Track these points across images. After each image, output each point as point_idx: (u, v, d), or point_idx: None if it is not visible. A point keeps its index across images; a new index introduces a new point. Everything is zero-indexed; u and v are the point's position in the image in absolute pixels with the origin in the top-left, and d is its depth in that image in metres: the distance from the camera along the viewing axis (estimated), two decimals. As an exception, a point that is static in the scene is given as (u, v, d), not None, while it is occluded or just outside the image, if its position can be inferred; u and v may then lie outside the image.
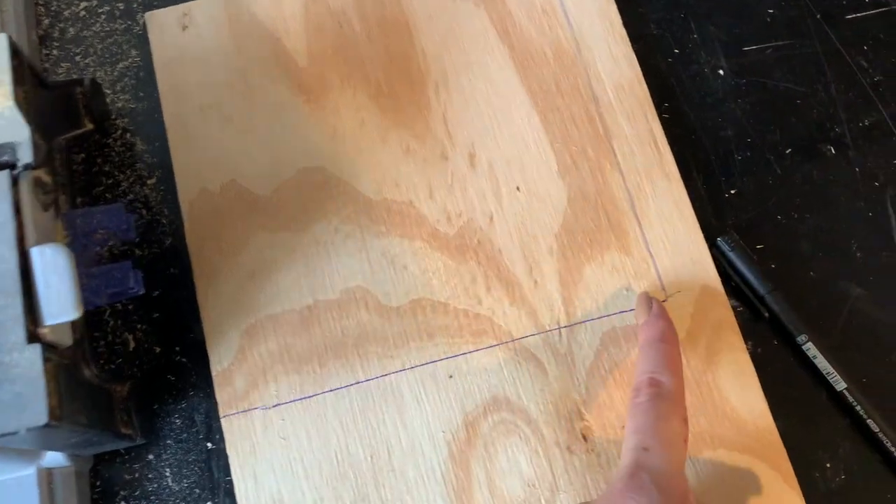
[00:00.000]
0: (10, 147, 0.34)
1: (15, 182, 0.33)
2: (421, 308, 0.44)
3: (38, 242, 0.33)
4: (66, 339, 0.34)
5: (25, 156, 0.34)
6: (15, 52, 0.36)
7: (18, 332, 0.31)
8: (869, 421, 0.43)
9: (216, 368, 0.43)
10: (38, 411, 0.31)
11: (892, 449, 0.42)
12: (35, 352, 0.31)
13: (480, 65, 0.48)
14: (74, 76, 0.49)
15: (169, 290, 0.45)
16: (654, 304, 0.42)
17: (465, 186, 0.46)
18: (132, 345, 0.44)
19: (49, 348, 0.33)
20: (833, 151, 0.49)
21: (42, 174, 0.35)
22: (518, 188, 0.46)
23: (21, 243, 0.32)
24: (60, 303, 0.32)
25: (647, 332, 0.41)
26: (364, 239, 0.45)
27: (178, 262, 0.46)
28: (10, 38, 0.35)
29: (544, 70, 0.48)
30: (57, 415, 0.31)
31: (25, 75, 0.37)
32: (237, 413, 0.42)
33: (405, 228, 0.46)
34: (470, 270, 0.45)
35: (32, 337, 0.32)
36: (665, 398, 0.37)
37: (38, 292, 0.32)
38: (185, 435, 0.43)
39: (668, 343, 0.40)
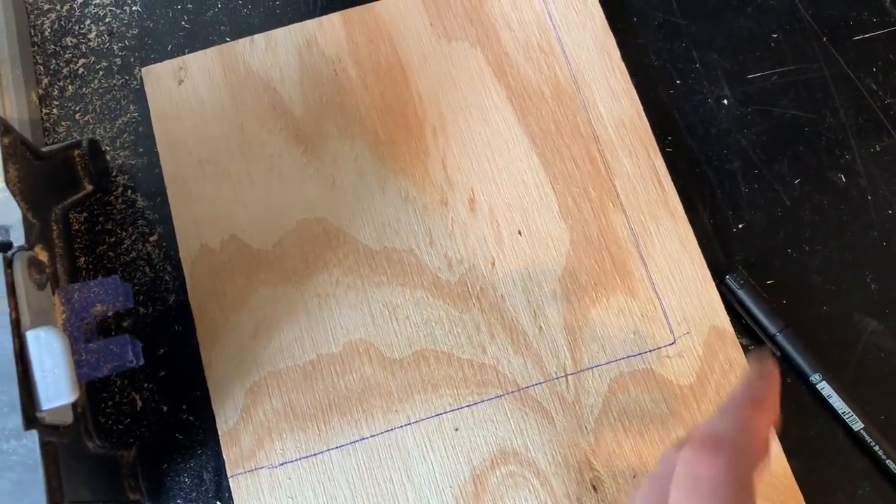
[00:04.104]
0: (3, 229, 0.34)
1: (9, 265, 0.33)
2: (424, 359, 0.44)
3: (34, 324, 0.33)
4: (67, 418, 0.34)
5: (18, 238, 0.34)
6: (7, 130, 0.36)
7: (15, 418, 0.31)
8: (888, 462, 0.42)
9: (222, 428, 0.43)
10: (37, 499, 0.31)
11: (913, 491, 0.41)
12: (32, 439, 0.31)
13: (477, 107, 0.48)
14: (75, 134, 0.49)
15: (174, 348, 0.45)
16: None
17: (465, 232, 0.46)
18: (139, 404, 0.45)
19: (49, 430, 0.33)
20: (844, 179, 0.47)
21: (37, 252, 0.35)
22: (519, 232, 0.46)
23: (17, 327, 0.33)
24: (57, 387, 0.32)
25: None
26: (365, 290, 0.45)
27: (183, 319, 0.46)
28: (1, 119, 0.35)
29: (543, 109, 0.48)
30: (57, 499, 0.32)
31: (18, 152, 0.37)
32: (244, 472, 0.42)
33: (406, 277, 0.45)
34: (473, 318, 0.44)
35: (30, 422, 0.32)
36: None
37: (34, 377, 0.32)
38: (194, 494, 0.43)
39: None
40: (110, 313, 0.37)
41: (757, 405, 0.32)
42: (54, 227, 0.40)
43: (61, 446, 0.34)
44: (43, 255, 0.36)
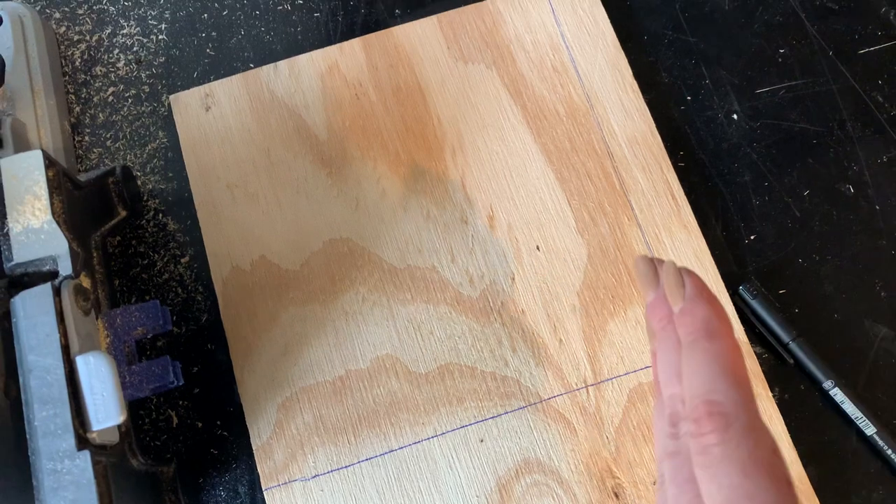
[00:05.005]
0: (52, 259, 0.36)
1: (57, 293, 0.35)
2: (449, 373, 0.45)
3: (82, 349, 0.35)
4: (114, 438, 0.36)
5: (65, 267, 0.36)
6: (50, 164, 0.38)
7: (69, 439, 0.33)
8: (901, 465, 0.43)
9: (256, 443, 0.45)
10: (91, 516, 0.32)
11: (926, 494, 0.43)
12: (85, 458, 0.33)
13: (495, 127, 0.49)
14: (106, 161, 0.51)
15: (207, 366, 0.47)
16: (689, 281, 0.29)
17: (485, 249, 0.47)
18: (175, 421, 0.46)
19: (98, 450, 0.35)
20: (852, 190, 0.49)
21: (81, 279, 0.37)
22: (538, 247, 0.47)
23: (66, 353, 0.34)
24: (106, 409, 0.34)
25: (685, 327, 0.28)
26: (391, 307, 0.47)
27: (215, 337, 0.47)
28: (44, 153, 0.37)
29: (558, 128, 0.49)
30: (109, 516, 0.33)
31: (61, 183, 0.39)
32: (278, 486, 0.44)
33: (430, 294, 0.47)
34: (495, 332, 0.46)
35: (82, 442, 0.34)
36: (740, 431, 0.24)
37: (84, 399, 0.34)
38: (230, 507, 0.45)
39: (720, 339, 0.27)
40: (149, 336, 0.39)
41: (719, 335, 0.27)
42: (94, 254, 0.42)
43: (110, 465, 0.35)
44: (86, 282, 0.38)
